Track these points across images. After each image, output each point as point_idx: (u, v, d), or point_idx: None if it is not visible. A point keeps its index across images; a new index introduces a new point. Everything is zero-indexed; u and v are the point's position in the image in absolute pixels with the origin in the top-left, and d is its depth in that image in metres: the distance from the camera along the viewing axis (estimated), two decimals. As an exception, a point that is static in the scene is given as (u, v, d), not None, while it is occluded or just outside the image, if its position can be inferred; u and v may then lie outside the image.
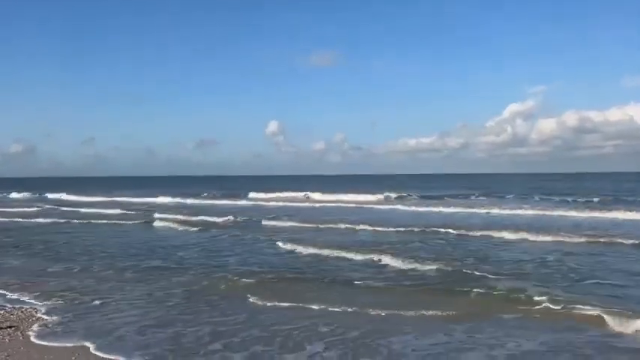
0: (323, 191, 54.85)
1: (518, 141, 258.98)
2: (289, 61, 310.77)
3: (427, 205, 36.31)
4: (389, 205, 39.93)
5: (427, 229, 21.16)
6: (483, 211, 31.38)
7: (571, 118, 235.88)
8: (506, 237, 18.87)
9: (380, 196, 47.14)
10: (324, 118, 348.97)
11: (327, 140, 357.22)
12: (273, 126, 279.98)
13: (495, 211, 30.85)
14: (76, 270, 13.93)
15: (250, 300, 10.33)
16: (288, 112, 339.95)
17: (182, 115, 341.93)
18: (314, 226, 23.94)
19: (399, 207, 36.83)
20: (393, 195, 48.64)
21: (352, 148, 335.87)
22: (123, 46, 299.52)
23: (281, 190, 58.06)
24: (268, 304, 10.02)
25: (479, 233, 19.84)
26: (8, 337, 8.24)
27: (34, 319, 9.25)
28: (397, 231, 21.35)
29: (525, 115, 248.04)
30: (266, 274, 12.92)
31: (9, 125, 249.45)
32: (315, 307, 9.65)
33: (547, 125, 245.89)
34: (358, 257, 14.96)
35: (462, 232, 20.36)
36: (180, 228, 24.67)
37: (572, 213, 28.57)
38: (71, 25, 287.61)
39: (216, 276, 12.72)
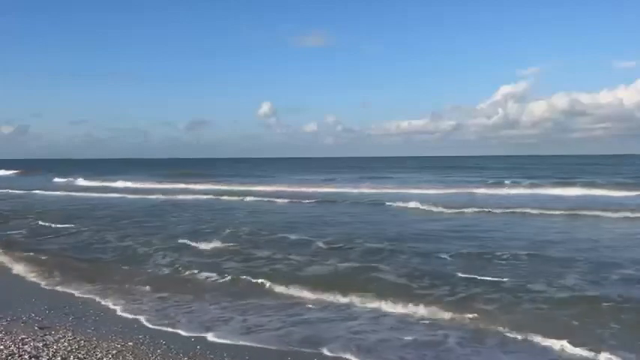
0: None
1: (509, 123, 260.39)
2: (280, 40, 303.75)
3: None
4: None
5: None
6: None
7: (562, 101, 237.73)
8: None
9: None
10: (316, 99, 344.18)
11: (319, 122, 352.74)
12: (265, 107, 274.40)
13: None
14: None
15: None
16: (280, 94, 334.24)
17: (174, 96, 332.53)
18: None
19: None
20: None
21: (345, 130, 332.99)
22: (109, 25, 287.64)
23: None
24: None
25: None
26: None
27: None
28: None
29: (517, 97, 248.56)
30: None
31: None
32: None
33: (538, 107, 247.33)
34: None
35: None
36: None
37: None
38: (61, 3, 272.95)
39: None
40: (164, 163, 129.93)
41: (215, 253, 13.31)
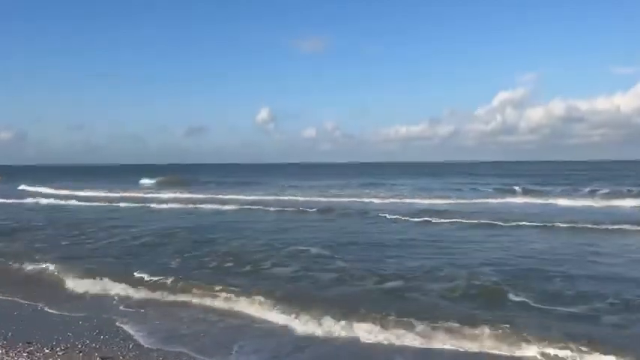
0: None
1: (507, 129, 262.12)
2: (279, 46, 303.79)
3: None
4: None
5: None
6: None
7: (559, 107, 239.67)
8: None
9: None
10: (315, 105, 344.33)
11: (318, 128, 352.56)
12: (263, 113, 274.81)
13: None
14: None
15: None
16: (279, 99, 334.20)
17: (172, 101, 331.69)
18: None
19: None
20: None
21: (344, 135, 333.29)
22: (111, 29, 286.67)
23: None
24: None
25: None
26: None
27: None
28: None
29: (515, 103, 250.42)
30: None
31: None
32: None
33: (536, 114, 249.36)
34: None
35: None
36: None
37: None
38: (58, 9, 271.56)
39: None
40: (160, 169, 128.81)
41: (225, 268, 12.38)
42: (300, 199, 34.11)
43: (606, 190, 36.18)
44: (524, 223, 19.19)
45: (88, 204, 32.93)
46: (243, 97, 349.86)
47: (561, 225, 18.36)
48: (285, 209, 26.68)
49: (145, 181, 62.02)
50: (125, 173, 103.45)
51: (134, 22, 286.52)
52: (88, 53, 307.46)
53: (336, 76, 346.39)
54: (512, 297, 9.32)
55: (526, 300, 9.13)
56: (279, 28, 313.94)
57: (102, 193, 41.41)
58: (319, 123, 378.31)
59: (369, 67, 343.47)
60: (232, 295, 9.68)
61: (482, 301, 9.20)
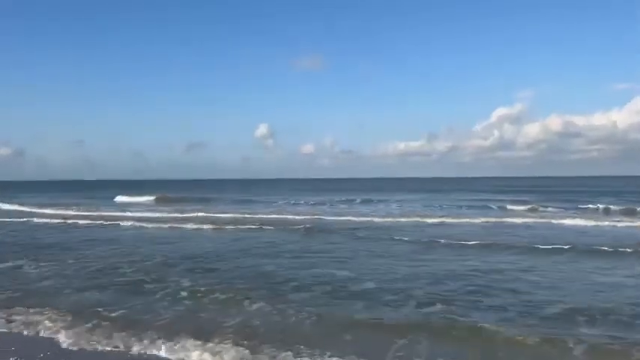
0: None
1: (505, 144, 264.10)
2: (277, 63, 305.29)
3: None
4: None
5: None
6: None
7: (556, 123, 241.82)
8: None
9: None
10: (314, 121, 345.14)
11: (317, 144, 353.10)
12: (262, 129, 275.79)
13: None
14: None
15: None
16: (278, 116, 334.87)
17: (171, 117, 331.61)
18: None
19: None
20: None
21: (342, 151, 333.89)
22: (108, 46, 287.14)
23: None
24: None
25: None
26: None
27: None
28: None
29: (512, 119, 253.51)
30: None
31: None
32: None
33: (533, 129, 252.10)
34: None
35: None
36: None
37: None
38: (58, 24, 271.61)
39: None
40: (157, 185, 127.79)
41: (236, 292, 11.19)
42: (301, 217, 32.11)
43: (620, 209, 35.51)
44: (568, 246, 17.51)
45: (44, 221, 30.90)
46: (242, 112, 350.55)
47: (605, 249, 16.93)
48: (290, 227, 24.80)
49: (121, 199, 58.51)
50: (121, 189, 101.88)
51: (134, 37, 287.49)
52: (88, 66, 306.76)
53: (335, 92, 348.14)
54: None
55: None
56: (279, 44, 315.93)
57: (61, 211, 39.48)
58: (318, 139, 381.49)
59: (367, 84, 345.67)
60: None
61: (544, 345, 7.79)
